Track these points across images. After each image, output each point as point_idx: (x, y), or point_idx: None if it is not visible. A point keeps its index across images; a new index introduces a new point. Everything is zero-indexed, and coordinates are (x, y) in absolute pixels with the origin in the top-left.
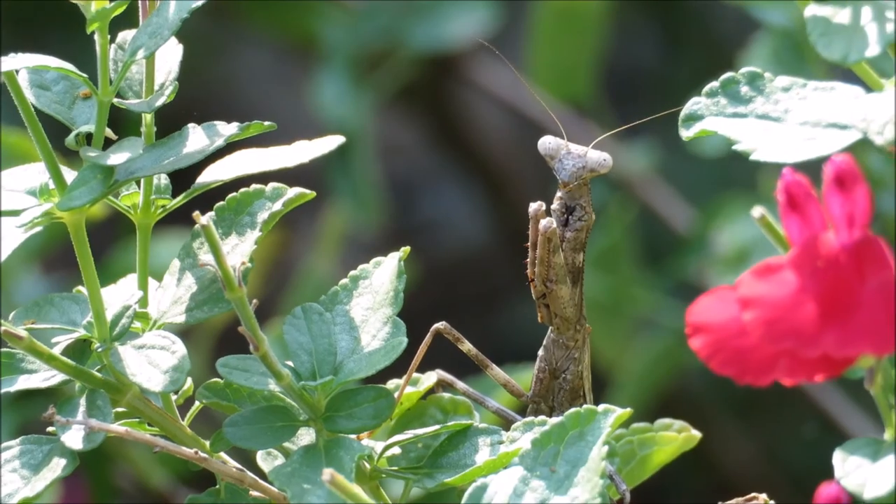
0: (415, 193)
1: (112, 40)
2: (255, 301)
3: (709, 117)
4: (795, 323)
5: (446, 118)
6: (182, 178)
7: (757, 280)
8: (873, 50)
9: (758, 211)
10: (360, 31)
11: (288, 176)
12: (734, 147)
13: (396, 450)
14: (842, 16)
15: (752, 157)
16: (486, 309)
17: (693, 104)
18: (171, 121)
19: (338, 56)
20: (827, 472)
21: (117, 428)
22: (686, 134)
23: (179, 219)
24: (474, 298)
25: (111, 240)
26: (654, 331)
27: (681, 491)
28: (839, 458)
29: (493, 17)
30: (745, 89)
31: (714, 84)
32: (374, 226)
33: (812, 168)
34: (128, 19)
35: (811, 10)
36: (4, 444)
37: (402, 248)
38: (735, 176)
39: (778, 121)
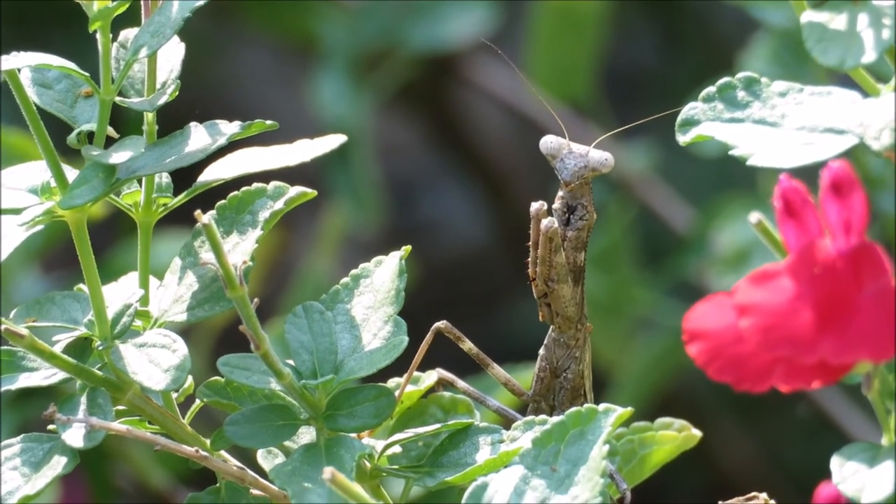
0: (415, 193)
1: (114, 39)
2: (256, 300)
3: (705, 122)
4: (792, 330)
5: (446, 118)
6: (183, 176)
7: (753, 287)
8: (870, 56)
9: (755, 216)
10: (359, 31)
11: (287, 176)
12: (731, 152)
13: (397, 448)
14: (838, 22)
15: (749, 163)
16: (486, 308)
17: (690, 109)
18: (172, 120)
19: (337, 56)
20: (826, 472)
21: (118, 426)
22: (683, 139)
23: (180, 217)
24: (474, 298)
25: (112, 238)
26: (653, 331)
27: (681, 490)
28: (837, 463)
29: (492, 17)
30: (741, 94)
31: (710, 89)
32: (374, 226)
33: (810, 173)
34: (130, 18)
35: (807, 17)
36: (5, 442)
37: (404, 247)
38: (735, 176)
39: (775, 126)
